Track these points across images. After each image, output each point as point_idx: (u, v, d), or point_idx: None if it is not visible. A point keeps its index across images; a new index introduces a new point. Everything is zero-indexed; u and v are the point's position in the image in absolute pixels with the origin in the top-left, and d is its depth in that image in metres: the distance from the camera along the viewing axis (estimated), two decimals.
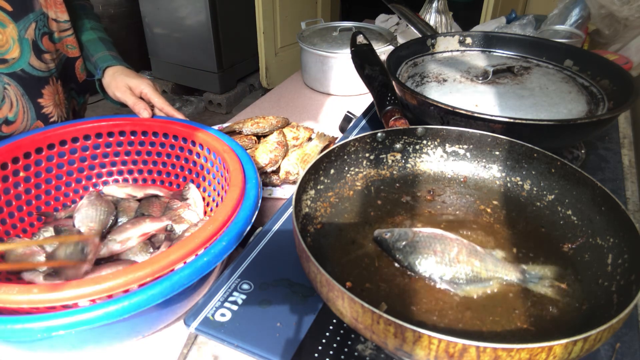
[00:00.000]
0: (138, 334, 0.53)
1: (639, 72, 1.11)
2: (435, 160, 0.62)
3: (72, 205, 0.76)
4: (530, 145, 0.56)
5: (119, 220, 0.69)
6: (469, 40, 0.91)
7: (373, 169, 0.60)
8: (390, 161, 0.61)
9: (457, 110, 0.62)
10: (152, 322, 0.53)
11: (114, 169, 0.80)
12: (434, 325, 0.42)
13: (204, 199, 0.75)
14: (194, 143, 0.75)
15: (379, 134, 0.59)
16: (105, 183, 0.80)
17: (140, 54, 2.97)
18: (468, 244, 0.48)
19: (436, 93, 0.74)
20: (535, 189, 0.57)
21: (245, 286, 0.51)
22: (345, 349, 0.44)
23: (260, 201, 0.61)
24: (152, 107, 0.80)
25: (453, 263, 0.46)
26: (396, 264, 0.48)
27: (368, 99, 1.04)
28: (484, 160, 0.60)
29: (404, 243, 0.48)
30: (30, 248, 0.62)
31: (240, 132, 0.95)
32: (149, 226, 0.65)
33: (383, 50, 1.17)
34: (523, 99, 0.71)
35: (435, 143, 0.61)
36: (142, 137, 0.79)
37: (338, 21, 1.40)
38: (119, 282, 0.45)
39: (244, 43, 2.82)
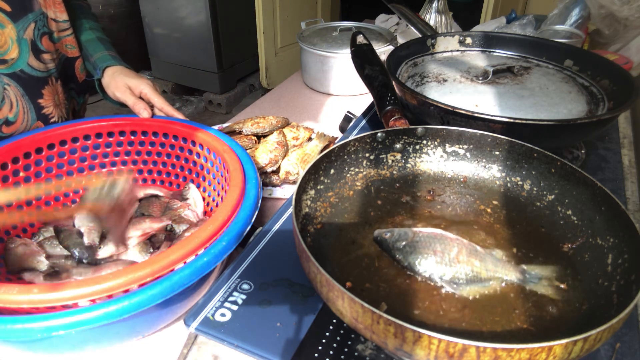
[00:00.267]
0: (138, 334, 0.53)
1: (639, 72, 1.11)
2: (435, 160, 0.62)
3: (72, 205, 0.76)
4: (530, 145, 0.56)
5: None
6: (469, 40, 0.91)
7: (373, 169, 0.60)
8: (390, 161, 0.61)
9: (457, 110, 0.62)
10: (152, 322, 0.53)
11: (114, 169, 0.80)
12: (434, 325, 0.42)
13: (204, 199, 0.75)
14: (194, 143, 0.75)
15: (379, 134, 0.59)
16: None
17: (140, 54, 2.97)
18: (468, 244, 0.48)
19: (436, 93, 0.74)
20: (535, 189, 0.57)
21: (245, 286, 0.51)
22: (345, 349, 0.44)
23: (260, 201, 0.61)
24: (151, 107, 0.80)
25: (453, 263, 0.46)
26: (396, 264, 0.48)
27: (368, 99, 1.04)
28: (484, 160, 0.60)
29: (404, 243, 0.48)
30: (30, 248, 0.62)
31: (240, 132, 0.95)
32: (149, 226, 0.65)
33: (383, 50, 1.17)
34: (523, 99, 0.71)
35: (435, 143, 0.61)
36: (142, 137, 0.79)
37: (338, 21, 1.40)
38: (119, 282, 0.45)
39: (244, 43, 2.82)
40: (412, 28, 1.01)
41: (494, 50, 0.90)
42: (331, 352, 0.44)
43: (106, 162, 0.79)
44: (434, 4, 1.28)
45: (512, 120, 0.59)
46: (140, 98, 0.80)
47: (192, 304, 0.51)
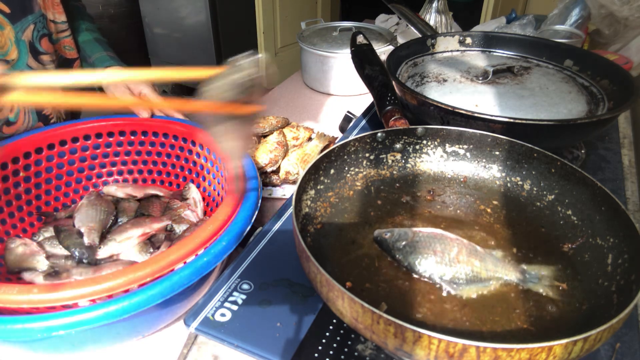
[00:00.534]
0: (138, 334, 0.53)
1: (639, 72, 1.11)
2: (435, 160, 0.62)
3: (72, 205, 0.76)
4: (530, 145, 0.56)
5: (119, 220, 0.69)
6: (469, 40, 0.91)
7: (373, 169, 0.60)
8: (390, 161, 0.61)
9: (457, 110, 0.62)
10: (152, 322, 0.53)
11: (114, 169, 0.80)
12: (434, 325, 0.42)
13: (204, 199, 0.75)
14: (194, 143, 0.75)
15: (379, 134, 0.59)
16: (105, 183, 0.80)
17: (140, 54, 2.96)
18: (468, 243, 0.48)
19: (436, 93, 0.74)
20: (535, 189, 0.57)
21: (245, 286, 0.51)
22: (345, 349, 0.44)
23: (260, 201, 0.61)
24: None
25: (453, 263, 0.46)
26: (396, 264, 0.48)
27: (368, 99, 1.04)
28: (484, 160, 0.60)
29: (404, 243, 0.48)
30: (30, 248, 0.62)
31: None
32: (149, 226, 0.65)
33: (383, 50, 1.17)
34: (523, 99, 0.71)
35: (435, 143, 0.61)
36: (142, 137, 0.79)
37: (338, 21, 1.40)
38: (119, 282, 0.45)
39: (244, 43, 2.82)
40: (412, 28, 1.01)
41: (494, 50, 0.90)
42: (331, 352, 0.44)
43: (106, 162, 0.79)
44: (434, 4, 1.28)
45: (512, 120, 0.59)
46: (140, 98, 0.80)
47: (192, 304, 0.51)
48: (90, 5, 2.61)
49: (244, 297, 0.49)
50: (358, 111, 0.93)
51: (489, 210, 0.56)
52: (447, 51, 0.90)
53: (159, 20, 2.79)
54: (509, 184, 0.59)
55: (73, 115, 0.92)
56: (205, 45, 2.68)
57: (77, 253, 0.61)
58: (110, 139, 0.78)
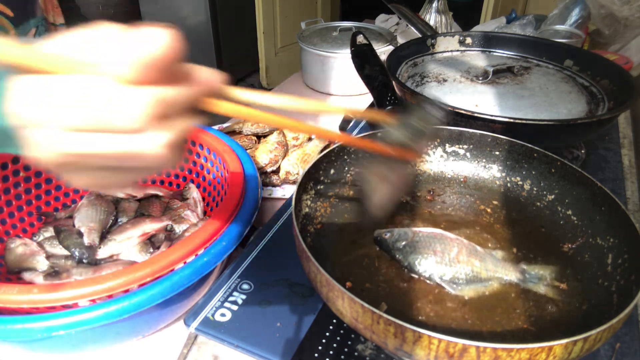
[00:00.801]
0: (138, 334, 0.53)
1: (639, 72, 1.11)
2: (435, 160, 0.62)
3: (72, 205, 0.75)
4: (530, 145, 0.56)
5: (119, 220, 0.69)
6: (469, 40, 0.91)
7: None
8: None
9: (457, 110, 0.62)
10: (152, 322, 0.53)
11: None
12: (434, 325, 0.42)
13: (204, 199, 0.75)
14: (194, 143, 0.75)
15: (379, 134, 0.59)
16: None
17: None
18: (468, 243, 0.48)
19: (436, 93, 0.74)
20: (535, 189, 0.57)
21: (245, 286, 0.51)
22: (345, 349, 0.44)
23: (260, 201, 0.61)
24: None
25: (453, 263, 0.46)
26: (396, 264, 0.48)
27: (368, 99, 1.04)
28: (484, 160, 0.60)
29: (403, 243, 0.48)
30: (30, 248, 0.62)
31: (240, 132, 0.95)
32: (149, 226, 0.65)
33: (383, 50, 1.17)
34: (523, 99, 0.71)
35: (435, 143, 0.61)
36: None
37: (338, 21, 1.40)
38: (119, 282, 0.45)
39: (244, 43, 2.82)
40: (412, 28, 1.01)
41: (494, 50, 0.90)
42: (331, 352, 0.44)
43: None
44: (434, 4, 1.28)
45: (512, 120, 0.59)
46: None
47: (192, 304, 0.51)
48: (90, 5, 2.61)
49: (244, 297, 0.49)
50: None
51: (489, 210, 0.56)
52: (447, 51, 0.90)
53: (159, 20, 2.78)
54: (509, 184, 0.59)
55: None
56: (205, 45, 2.68)
57: (77, 253, 0.61)
58: None
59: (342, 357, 0.43)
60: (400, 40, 1.22)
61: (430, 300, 0.44)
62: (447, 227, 0.53)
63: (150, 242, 0.65)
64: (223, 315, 0.47)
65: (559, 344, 0.32)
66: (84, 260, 0.61)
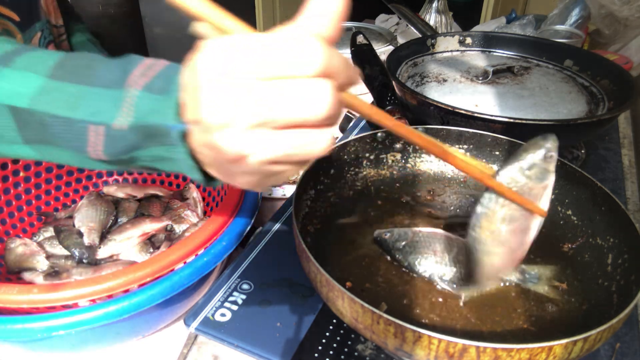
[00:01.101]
0: (138, 334, 0.53)
1: (639, 72, 1.11)
2: (435, 160, 0.62)
3: (72, 205, 0.75)
4: None
5: (119, 220, 0.69)
6: (469, 40, 0.91)
7: (373, 169, 0.60)
8: (390, 161, 0.61)
9: (457, 110, 0.62)
10: (152, 322, 0.53)
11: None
12: (434, 325, 0.42)
13: (204, 198, 0.75)
14: None
15: (379, 134, 0.59)
16: (105, 183, 0.80)
17: (140, 54, 2.95)
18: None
19: (436, 93, 0.74)
20: None
21: (245, 286, 0.51)
22: (345, 349, 0.44)
23: (260, 201, 0.61)
24: None
25: (453, 263, 0.46)
26: (396, 264, 0.48)
27: (368, 99, 1.04)
28: (484, 161, 0.60)
29: (403, 243, 0.48)
30: (30, 248, 0.62)
31: None
32: (149, 226, 0.65)
33: (383, 50, 1.17)
34: (523, 99, 0.71)
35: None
36: None
37: None
38: (119, 282, 0.45)
39: None
40: (412, 28, 1.01)
41: (494, 50, 0.90)
42: (331, 352, 0.44)
43: None
44: (434, 4, 1.28)
45: (512, 120, 0.59)
46: None
47: (192, 304, 0.51)
48: (90, 5, 2.61)
49: (244, 297, 0.49)
50: None
51: None
52: (447, 51, 0.90)
53: (159, 20, 2.79)
54: None
55: None
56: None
57: (77, 253, 0.61)
58: None
59: (342, 357, 0.43)
60: (400, 40, 1.22)
61: (430, 300, 0.44)
62: (447, 227, 0.53)
63: (150, 242, 0.65)
64: (223, 315, 0.47)
65: (559, 344, 0.32)
66: (84, 260, 0.61)
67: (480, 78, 0.77)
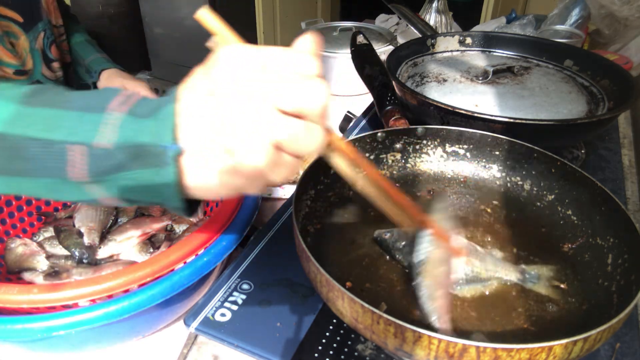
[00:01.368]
0: (138, 334, 0.53)
1: (639, 72, 1.11)
2: (435, 160, 0.62)
3: (72, 205, 0.75)
4: (530, 145, 0.56)
5: (118, 220, 0.69)
6: (469, 40, 0.91)
7: None
8: (390, 161, 0.61)
9: (457, 110, 0.62)
10: (152, 322, 0.53)
11: None
12: (434, 325, 0.42)
13: None
14: None
15: (379, 134, 0.59)
16: None
17: (140, 54, 2.96)
18: (468, 243, 0.48)
19: (436, 93, 0.74)
20: (535, 189, 0.57)
21: (245, 286, 0.51)
22: (345, 349, 0.44)
23: (260, 201, 0.61)
24: None
25: None
26: (396, 264, 0.48)
27: (368, 99, 1.04)
28: (484, 160, 0.60)
29: (403, 243, 0.48)
30: (30, 248, 0.62)
31: None
32: (149, 226, 0.65)
33: (383, 50, 1.17)
34: (523, 99, 0.71)
35: (435, 143, 0.61)
36: None
37: (338, 21, 1.40)
38: (119, 282, 0.45)
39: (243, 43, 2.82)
40: (412, 28, 1.01)
41: (494, 50, 0.90)
42: (331, 352, 0.44)
43: None
44: (434, 4, 1.28)
45: (512, 120, 0.59)
46: None
47: (192, 304, 0.51)
48: (90, 5, 2.61)
49: (244, 297, 0.49)
50: (358, 111, 0.93)
51: (489, 210, 0.56)
52: (447, 51, 0.90)
53: (159, 20, 2.79)
54: (509, 184, 0.59)
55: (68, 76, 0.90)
56: (205, 45, 2.68)
57: (77, 253, 0.61)
58: None
59: (342, 357, 0.43)
60: (400, 40, 1.22)
61: None
62: None
63: (150, 242, 0.65)
64: (223, 315, 0.47)
65: (559, 344, 0.32)
66: (84, 260, 0.61)
67: (480, 78, 0.77)
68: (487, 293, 0.45)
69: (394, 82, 0.70)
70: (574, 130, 0.62)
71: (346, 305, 0.36)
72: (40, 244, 0.64)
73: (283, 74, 0.29)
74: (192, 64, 0.33)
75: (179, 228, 0.67)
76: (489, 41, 0.90)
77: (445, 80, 0.78)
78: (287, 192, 0.83)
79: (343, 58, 1.18)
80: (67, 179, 0.30)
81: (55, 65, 0.75)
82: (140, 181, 0.30)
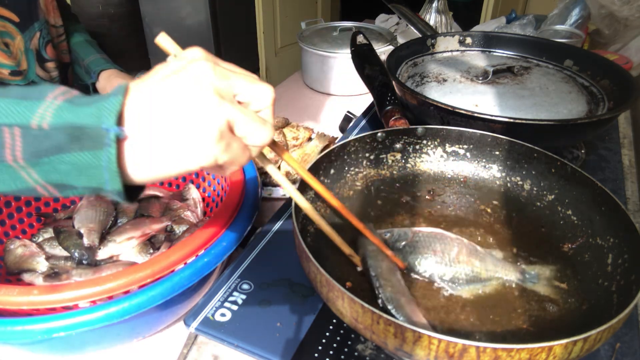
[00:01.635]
0: (138, 335, 0.53)
1: (639, 72, 1.11)
2: (435, 160, 0.62)
3: (72, 206, 0.75)
4: (530, 145, 0.56)
5: (118, 221, 0.69)
6: (469, 40, 0.91)
7: (373, 169, 0.60)
8: (390, 161, 0.61)
9: (457, 110, 0.62)
10: (152, 323, 0.53)
11: None
12: (434, 325, 0.42)
13: (203, 199, 0.75)
14: None
15: (379, 134, 0.59)
16: None
17: (140, 54, 2.96)
18: (468, 243, 0.48)
19: (436, 93, 0.74)
20: (535, 189, 0.57)
21: (245, 286, 0.51)
22: (345, 349, 0.44)
23: (260, 201, 0.61)
24: None
25: (453, 263, 0.46)
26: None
27: (368, 99, 1.04)
28: (484, 160, 0.60)
29: (403, 243, 0.48)
30: (29, 249, 0.62)
31: None
32: (149, 227, 0.65)
33: (383, 50, 1.17)
34: (523, 99, 0.71)
35: (435, 143, 0.61)
36: None
37: (338, 21, 1.40)
38: (119, 284, 0.45)
39: (244, 43, 2.82)
40: (412, 28, 1.01)
41: (494, 50, 0.90)
42: (331, 352, 0.44)
43: None
44: (434, 4, 1.28)
45: (512, 120, 0.59)
46: None
47: (193, 305, 0.51)
48: (90, 5, 2.61)
49: (244, 297, 0.49)
50: (358, 111, 0.93)
51: (489, 210, 0.56)
52: (447, 51, 0.90)
53: (159, 20, 2.79)
54: (509, 184, 0.59)
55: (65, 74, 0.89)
56: (205, 45, 2.67)
57: (76, 254, 0.61)
58: None
59: (342, 357, 0.43)
60: (400, 40, 1.22)
61: (430, 300, 0.44)
62: (447, 227, 0.53)
63: (150, 242, 0.65)
64: (223, 315, 0.47)
65: (559, 344, 0.32)
66: (84, 262, 0.61)
67: (480, 78, 0.77)
68: (487, 293, 0.45)
69: (394, 82, 0.70)
70: (574, 130, 0.62)
71: (346, 305, 0.36)
72: (39, 245, 0.64)
73: (237, 73, 0.33)
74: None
75: (179, 229, 0.67)
76: (489, 41, 0.90)
77: (445, 80, 0.78)
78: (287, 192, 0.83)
79: (343, 58, 1.18)
80: (3, 161, 0.30)
81: (50, 65, 0.75)
82: (79, 165, 0.29)
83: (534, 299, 0.44)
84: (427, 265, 0.46)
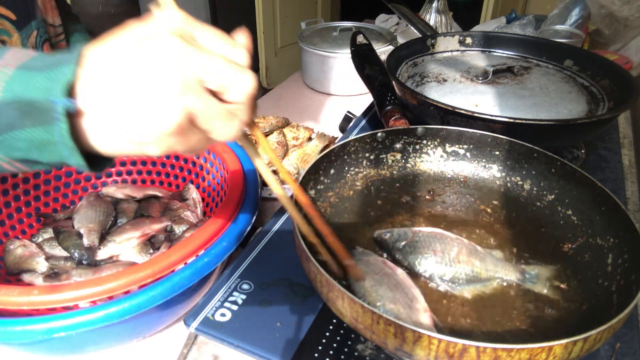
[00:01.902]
0: (139, 335, 0.53)
1: (639, 72, 1.11)
2: (435, 160, 0.62)
3: (72, 207, 0.75)
4: (530, 145, 0.56)
5: (118, 221, 0.69)
6: (469, 40, 0.91)
7: (373, 169, 0.60)
8: (390, 161, 0.61)
9: (457, 110, 0.62)
10: (152, 323, 0.53)
11: (113, 169, 0.80)
12: (437, 324, 0.42)
13: (203, 199, 0.75)
14: None
15: (379, 134, 0.59)
16: (104, 184, 0.80)
17: None
18: (468, 243, 0.48)
19: (436, 93, 0.74)
20: (535, 189, 0.57)
21: (245, 286, 0.51)
22: (345, 349, 0.44)
23: (260, 201, 0.61)
24: None
25: (453, 263, 0.46)
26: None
27: (368, 99, 1.04)
28: (484, 160, 0.60)
29: (403, 243, 0.48)
30: (29, 249, 0.62)
31: None
32: (149, 227, 0.65)
33: (383, 50, 1.17)
34: (523, 99, 0.71)
35: (435, 143, 0.61)
36: None
37: (338, 21, 1.40)
38: (119, 284, 0.45)
39: None
40: (412, 28, 1.01)
41: (494, 50, 0.90)
42: (331, 352, 0.44)
43: None
44: (434, 4, 1.28)
45: (512, 120, 0.59)
46: None
47: (193, 305, 0.51)
48: (90, 5, 2.61)
49: (244, 297, 0.49)
50: (358, 111, 0.93)
51: (489, 210, 0.56)
52: (447, 51, 0.90)
53: None
54: (509, 184, 0.59)
55: None
56: None
57: (76, 254, 0.61)
58: None
59: (342, 357, 0.43)
60: (400, 40, 1.22)
61: (430, 300, 0.44)
62: (447, 227, 0.53)
63: (150, 243, 0.65)
64: (223, 315, 0.47)
65: (559, 344, 0.32)
66: (84, 262, 0.61)
67: (480, 78, 0.77)
68: (487, 293, 0.45)
69: (394, 82, 0.70)
70: (574, 130, 0.62)
71: (346, 305, 0.36)
72: (39, 245, 0.64)
73: (215, 51, 0.28)
74: None
75: (179, 229, 0.67)
76: (489, 41, 0.90)
77: (445, 80, 0.78)
78: (287, 192, 0.83)
79: (343, 58, 1.18)
80: None
81: None
82: (35, 141, 0.28)
83: (534, 299, 0.44)
84: (427, 265, 0.46)
